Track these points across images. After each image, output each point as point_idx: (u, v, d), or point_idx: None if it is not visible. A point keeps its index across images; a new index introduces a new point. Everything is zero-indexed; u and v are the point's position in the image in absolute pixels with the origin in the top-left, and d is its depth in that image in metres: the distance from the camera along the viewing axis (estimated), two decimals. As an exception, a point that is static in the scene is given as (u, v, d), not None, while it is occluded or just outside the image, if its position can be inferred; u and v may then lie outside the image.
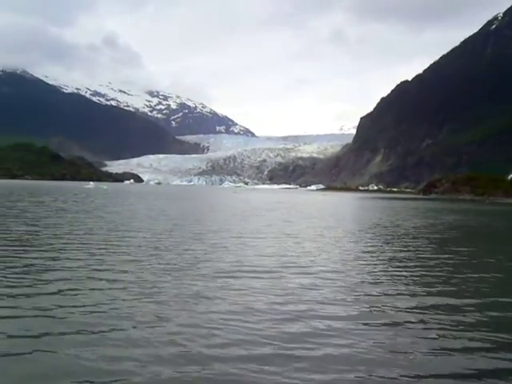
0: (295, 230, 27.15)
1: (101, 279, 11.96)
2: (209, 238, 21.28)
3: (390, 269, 15.03)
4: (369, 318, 9.64)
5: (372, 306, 10.42)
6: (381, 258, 17.37)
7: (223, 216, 37.02)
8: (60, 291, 10.70)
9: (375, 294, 11.55)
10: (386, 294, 11.49)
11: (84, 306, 9.68)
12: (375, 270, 14.65)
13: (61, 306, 9.59)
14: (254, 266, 14.63)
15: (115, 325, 8.64)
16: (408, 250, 19.63)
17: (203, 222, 29.62)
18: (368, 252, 18.80)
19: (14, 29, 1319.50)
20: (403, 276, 13.84)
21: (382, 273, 14.28)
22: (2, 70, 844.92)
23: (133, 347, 7.65)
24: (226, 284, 11.99)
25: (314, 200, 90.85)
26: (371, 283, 12.73)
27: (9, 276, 11.96)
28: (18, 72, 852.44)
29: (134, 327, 8.58)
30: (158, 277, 12.47)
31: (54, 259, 14.44)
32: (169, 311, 9.55)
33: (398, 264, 16.01)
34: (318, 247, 19.84)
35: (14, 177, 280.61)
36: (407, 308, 10.35)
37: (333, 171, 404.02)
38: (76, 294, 10.52)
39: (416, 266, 15.61)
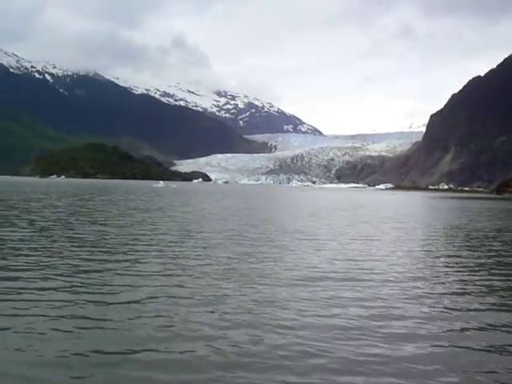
0: (370, 231, 26.09)
1: (168, 284, 11.49)
2: (280, 240, 20.51)
3: (475, 277, 13.92)
4: (465, 337, 8.83)
5: (466, 322, 9.56)
6: (464, 264, 16.15)
7: (293, 216, 36.33)
8: (128, 299, 10.22)
9: (467, 307, 10.64)
10: (475, 309, 10.61)
11: (153, 315, 9.20)
12: (460, 279, 13.60)
13: (128, 316, 9.15)
14: (329, 271, 13.79)
15: (182, 338, 8.12)
16: (492, 256, 18.35)
17: (274, 223, 28.94)
18: (450, 257, 17.64)
19: (86, 33, 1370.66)
20: (491, 286, 12.80)
21: (467, 282, 13.27)
22: (76, 74, 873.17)
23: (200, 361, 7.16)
24: (299, 291, 11.22)
25: (384, 199, 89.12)
26: (457, 294, 11.76)
27: (78, 280, 11.64)
28: (91, 75, 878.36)
29: (199, 338, 8.02)
30: (227, 282, 11.87)
31: (122, 262, 14.11)
32: (239, 321, 8.90)
33: (484, 272, 14.90)
34: (396, 251, 18.75)
35: (86, 176, 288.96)
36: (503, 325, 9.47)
37: (402, 170, 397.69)
38: (144, 301, 10.04)
39: (501, 274, 14.55)
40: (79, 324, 8.51)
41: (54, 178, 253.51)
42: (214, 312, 9.42)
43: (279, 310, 9.68)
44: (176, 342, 7.83)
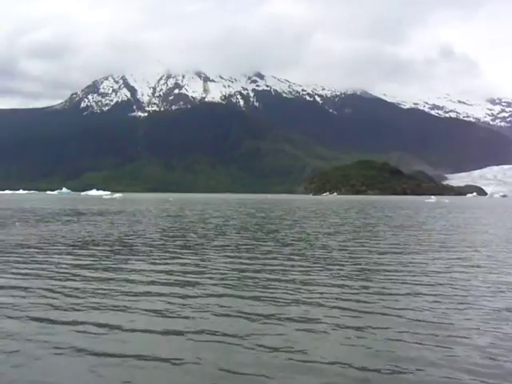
0: None
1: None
2: None
3: None
4: None
5: None
6: None
7: None
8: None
9: None
10: None
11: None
12: None
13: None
14: None
15: None
16: None
17: None
18: None
19: (352, 53, 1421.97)
20: None
21: None
22: (343, 93, 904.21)
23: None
24: None
25: None
26: None
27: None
28: (358, 93, 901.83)
29: None
30: None
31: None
32: None
33: None
34: None
35: (357, 192, 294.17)
36: None
37: None
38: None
39: None
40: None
41: (326, 196, 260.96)
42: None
43: None
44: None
